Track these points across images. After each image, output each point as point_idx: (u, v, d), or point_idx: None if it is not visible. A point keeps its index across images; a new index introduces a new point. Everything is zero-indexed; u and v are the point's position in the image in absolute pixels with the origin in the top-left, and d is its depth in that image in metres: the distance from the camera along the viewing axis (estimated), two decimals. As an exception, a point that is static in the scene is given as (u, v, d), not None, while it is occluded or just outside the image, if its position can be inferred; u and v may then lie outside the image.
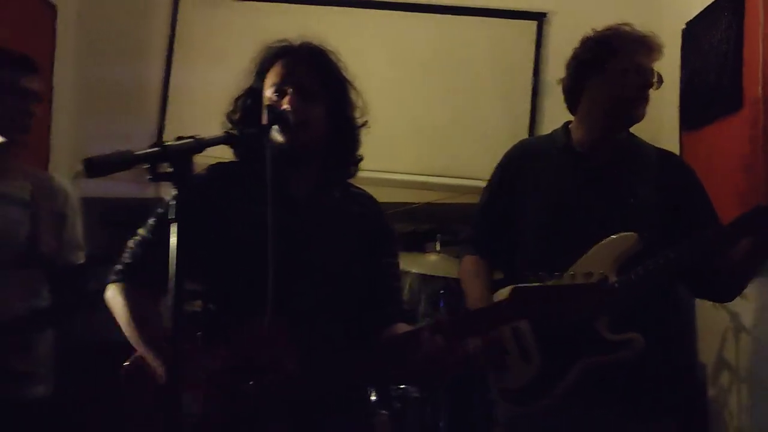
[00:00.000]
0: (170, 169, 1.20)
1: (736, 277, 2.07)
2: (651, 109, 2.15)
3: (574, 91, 2.21)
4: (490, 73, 3.98)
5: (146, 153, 1.18)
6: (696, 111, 3.30)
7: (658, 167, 2.18)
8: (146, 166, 1.18)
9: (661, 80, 2.11)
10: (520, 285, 1.65)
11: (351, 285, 1.80)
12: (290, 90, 1.75)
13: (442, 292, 3.33)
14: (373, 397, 2.80)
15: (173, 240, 1.19)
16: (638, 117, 2.13)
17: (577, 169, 2.18)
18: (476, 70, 3.97)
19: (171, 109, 3.94)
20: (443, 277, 3.29)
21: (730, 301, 2.24)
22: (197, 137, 1.28)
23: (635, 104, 2.11)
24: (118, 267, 1.77)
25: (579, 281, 1.65)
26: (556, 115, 3.19)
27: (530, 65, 3.94)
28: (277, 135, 1.69)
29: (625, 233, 2.03)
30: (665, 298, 2.14)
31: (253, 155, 1.76)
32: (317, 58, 1.82)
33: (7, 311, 2.19)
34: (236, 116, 1.84)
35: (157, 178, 1.18)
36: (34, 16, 3.54)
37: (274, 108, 1.69)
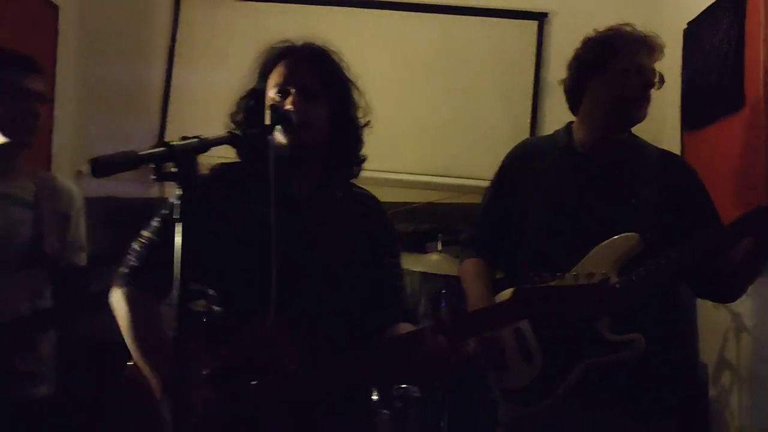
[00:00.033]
0: (175, 169, 1.20)
1: (737, 278, 2.07)
2: (652, 109, 2.15)
3: (575, 91, 2.21)
4: (491, 72, 3.98)
5: (152, 153, 1.19)
6: (697, 111, 3.30)
7: (660, 167, 2.18)
8: (151, 165, 1.18)
9: (662, 80, 2.11)
10: (522, 286, 1.66)
11: (353, 285, 1.80)
12: (293, 90, 1.76)
13: (443, 291, 3.33)
14: (374, 397, 2.80)
15: (178, 239, 1.19)
16: (640, 117, 2.13)
17: (579, 170, 2.18)
18: (477, 70, 3.98)
19: (172, 109, 3.95)
20: (445, 277, 3.29)
21: (733, 301, 2.24)
22: (201, 137, 1.29)
23: (637, 104, 2.11)
24: (124, 270, 1.77)
25: (581, 282, 1.65)
26: (557, 115, 3.19)
27: (531, 65, 3.95)
28: (279, 135, 1.69)
29: (627, 234, 2.03)
30: (666, 299, 2.14)
31: (256, 155, 1.77)
32: (320, 59, 1.82)
33: (11, 311, 2.20)
34: (239, 117, 1.85)
35: (162, 177, 1.19)
36: (36, 16, 3.54)
37: (277, 108, 1.70)
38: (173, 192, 1.55)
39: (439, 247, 3.47)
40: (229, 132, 1.56)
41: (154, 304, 1.73)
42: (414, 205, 3.70)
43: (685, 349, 3.11)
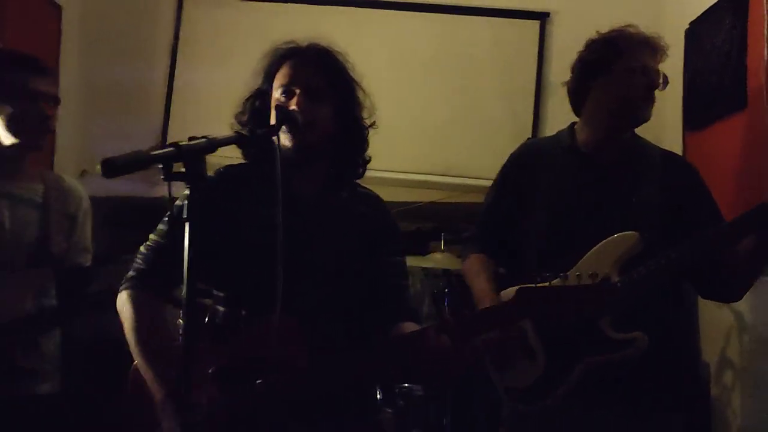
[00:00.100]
0: (183, 169, 1.21)
1: (740, 276, 2.07)
2: (654, 110, 2.15)
3: (579, 92, 2.22)
4: (493, 72, 3.99)
5: (161, 153, 1.20)
6: (699, 111, 3.30)
7: (663, 168, 2.18)
8: (159, 166, 1.19)
9: (666, 81, 2.12)
10: (525, 285, 1.66)
11: (356, 284, 1.81)
12: (298, 91, 1.77)
13: (446, 290, 3.34)
14: (378, 396, 2.81)
15: (187, 239, 1.20)
16: (644, 118, 2.14)
17: (582, 170, 2.19)
18: (479, 70, 3.99)
19: (175, 108, 3.97)
20: (447, 276, 3.30)
21: (737, 300, 2.24)
22: (209, 137, 1.30)
23: (641, 105, 2.12)
24: (131, 273, 1.79)
25: (585, 282, 1.66)
26: (558, 114, 3.20)
27: (533, 65, 3.96)
28: (285, 136, 1.70)
29: (627, 233, 2.03)
30: (668, 297, 2.14)
31: (262, 156, 1.78)
32: (325, 59, 1.83)
33: (17, 310, 2.21)
34: (245, 117, 1.86)
35: (171, 177, 1.20)
36: (39, 16, 3.55)
37: (282, 108, 1.71)
38: (178, 193, 1.57)
39: (442, 247, 3.48)
40: (236, 132, 1.57)
41: (159, 308, 1.75)
42: (416, 204, 3.71)
43: (688, 348, 3.11)
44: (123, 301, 1.76)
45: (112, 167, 1.08)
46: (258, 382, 1.60)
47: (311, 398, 1.64)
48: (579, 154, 2.21)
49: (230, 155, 1.78)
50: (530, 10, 4.00)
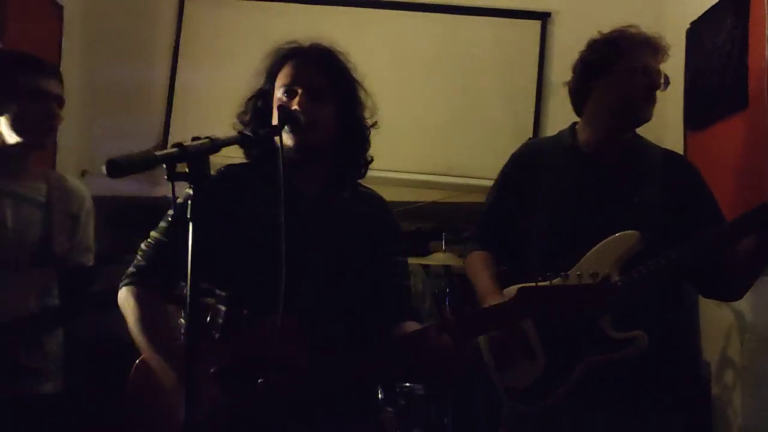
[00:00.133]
0: (187, 170, 1.22)
1: (741, 276, 2.08)
2: (655, 109, 2.16)
3: (580, 92, 2.22)
4: (494, 72, 3.99)
5: (166, 153, 1.21)
6: (700, 111, 3.31)
7: (664, 167, 2.18)
8: (163, 166, 1.20)
9: (668, 81, 2.12)
10: (526, 285, 1.67)
11: (357, 283, 1.81)
12: (300, 90, 1.77)
13: (447, 290, 3.34)
14: (379, 396, 2.82)
15: (190, 238, 1.21)
16: (645, 118, 2.15)
17: (583, 170, 2.19)
18: (480, 70, 3.99)
19: (176, 108, 3.97)
20: (448, 276, 3.30)
21: (738, 299, 2.25)
22: (213, 137, 1.31)
23: (642, 105, 2.12)
24: (131, 270, 1.79)
25: (585, 281, 1.66)
26: (560, 114, 3.20)
27: (534, 65, 3.96)
28: (286, 136, 1.71)
29: (627, 232, 2.03)
30: (669, 297, 2.14)
31: (264, 156, 1.79)
32: (326, 59, 1.84)
33: (20, 309, 2.23)
34: (247, 117, 1.86)
35: (174, 177, 1.20)
36: (41, 16, 3.56)
37: (285, 108, 1.71)
38: (181, 192, 1.57)
39: (443, 246, 3.48)
40: (239, 132, 1.57)
41: (160, 303, 1.75)
42: (417, 204, 3.71)
43: (688, 347, 3.11)
44: (124, 297, 1.77)
45: (118, 168, 1.09)
46: (259, 381, 1.61)
47: (312, 398, 1.65)
48: (580, 154, 2.22)
49: (232, 155, 1.78)
50: (531, 10, 4.00)
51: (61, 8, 3.67)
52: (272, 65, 1.85)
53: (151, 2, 4.04)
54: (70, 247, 2.38)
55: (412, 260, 3.09)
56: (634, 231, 2.03)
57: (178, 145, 1.23)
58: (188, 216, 1.22)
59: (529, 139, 3.73)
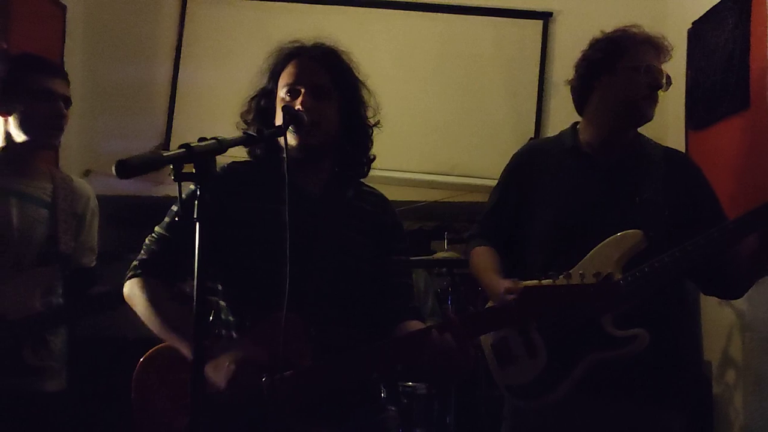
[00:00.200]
0: (193, 170, 1.23)
1: (744, 275, 2.08)
2: (657, 108, 2.16)
3: (582, 91, 2.23)
4: (496, 72, 4.00)
5: (174, 154, 1.22)
6: (702, 110, 3.31)
7: (666, 166, 2.19)
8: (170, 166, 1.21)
9: (670, 81, 2.13)
10: (529, 285, 1.67)
11: (361, 282, 1.82)
12: (303, 90, 1.78)
13: (449, 289, 3.34)
14: (382, 394, 2.82)
15: (197, 238, 1.22)
16: (647, 117, 2.15)
17: (585, 169, 2.20)
18: (482, 70, 4.00)
19: (179, 107, 3.97)
20: (450, 275, 3.30)
21: (739, 297, 2.25)
22: (219, 138, 1.32)
23: (644, 104, 2.12)
24: (136, 263, 1.80)
25: (588, 280, 1.67)
26: (561, 114, 3.21)
27: (536, 64, 3.96)
28: (290, 135, 1.71)
29: (630, 231, 2.04)
30: (670, 295, 2.14)
31: (267, 154, 1.80)
32: (330, 58, 1.84)
33: (27, 308, 2.24)
34: (250, 116, 1.87)
35: (181, 177, 1.21)
36: (44, 16, 3.57)
37: (289, 108, 1.72)
38: (185, 190, 1.58)
39: (445, 245, 3.49)
40: (244, 132, 1.58)
41: (167, 287, 1.76)
42: (419, 203, 3.72)
43: (689, 346, 3.11)
44: (130, 288, 1.78)
45: (127, 168, 1.11)
46: (263, 379, 1.61)
47: (316, 396, 1.65)
48: (582, 153, 2.22)
49: (235, 153, 1.79)
50: (533, 9, 4.01)
51: (64, 8, 3.69)
52: (275, 64, 1.85)
53: (154, 2, 4.05)
54: (74, 247, 2.40)
55: (414, 259, 3.11)
56: (637, 230, 2.03)
57: (185, 145, 1.24)
58: (195, 216, 1.23)
59: (531, 139, 3.74)
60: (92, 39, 3.94)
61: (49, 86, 2.29)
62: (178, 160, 1.21)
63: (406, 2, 4.01)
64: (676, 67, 2.32)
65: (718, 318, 3.12)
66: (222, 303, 1.80)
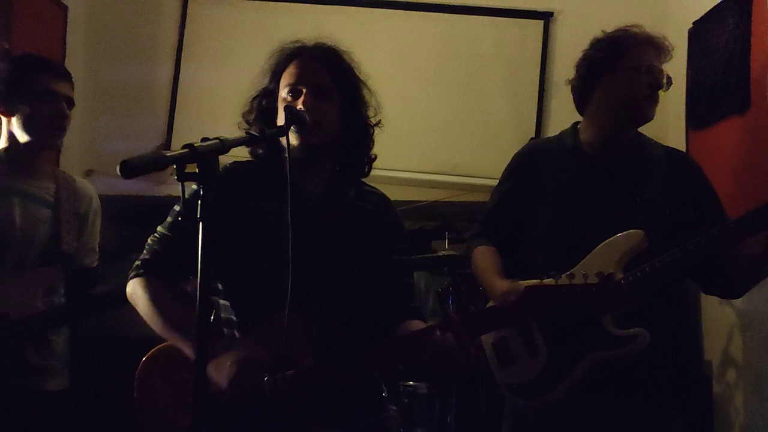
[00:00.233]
0: (196, 170, 1.23)
1: (746, 276, 2.08)
2: (657, 108, 2.17)
3: (583, 90, 2.23)
4: (497, 72, 4.00)
5: (177, 154, 1.23)
6: (702, 110, 3.32)
7: (667, 166, 2.19)
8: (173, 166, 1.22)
9: (670, 81, 2.13)
10: (531, 284, 1.67)
11: (362, 282, 1.82)
12: (304, 90, 1.79)
13: (450, 289, 3.35)
14: (384, 394, 2.82)
15: (200, 238, 1.22)
16: (648, 117, 2.15)
17: (586, 169, 2.20)
18: (483, 69, 4.00)
19: (180, 107, 3.98)
20: (451, 274, 3.30)
21: (740, 297, 2.25)
22: (222, 138, 1.33)
23: (645, 104, 2.13)
24: (138, 263, 1.81)
25: (591, 280, 1.67)
26: (562, 114, 3.20)
27: (537, 64, 3.97)
28: (292, 135, 1.72)
29: (632, 231, 2.04)
30: (671, 295, 2.14)
31: (269, 154, 1.80)
32: (331, 58, 1.85)
33: (29, 307, 2.25)
34: (252, 116, 1.87)
35: (184, 177, 1.22)
36: (45, 16, 3.58)
37: (291, 108, 1.72)
38: (188, 191, 1.59)
39: (447, 245, 3.49)
40: (246, 132, 1.59)
41: (169, 287, 1.77)
42: (420, 203, 3.72)
43: (690, 346, 3.12)
44: (132, 288, 1.79)
45: (131, 168, 1.12)
46: (266, 379, 1.62)
47: (318, 395, 1.65)
48: (582, 153, 2.22)
49: (236, 153, 1.79)
50: (534, 9, 4.01)
51: (65, 8, 3.69)
52: (277, 64, 1.86)
53: (155, 2, 4.06)
54: (76, 247, 2.40)
55: (416, 257, 3.11)
56: (639, 230, 2.03)
57: (189, 145, 1.25)
58: (198, 216, 1.24)
59: (532, 138, 3.75)
60: (94, 39, 3.95)
61: (53, 87, 2.30)
62: (181, 160, 1.22)
63: (407, 2, 4.01)
64: (676, 66, 2.33)
65: (719, 317, 3.13)
66: (223, 302, 1.80)
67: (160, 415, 1.72)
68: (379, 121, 1.91)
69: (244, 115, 1.89)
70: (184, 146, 1.25)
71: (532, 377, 2.09)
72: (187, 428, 1.56)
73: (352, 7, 4.01)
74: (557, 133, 2.37)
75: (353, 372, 1.70)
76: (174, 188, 3.70)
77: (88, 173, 3.69)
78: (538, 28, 4.00)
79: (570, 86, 2.28)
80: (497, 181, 2.38)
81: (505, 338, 2.13)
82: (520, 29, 4.00)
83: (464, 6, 4.00)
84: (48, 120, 2.30)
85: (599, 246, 2.05)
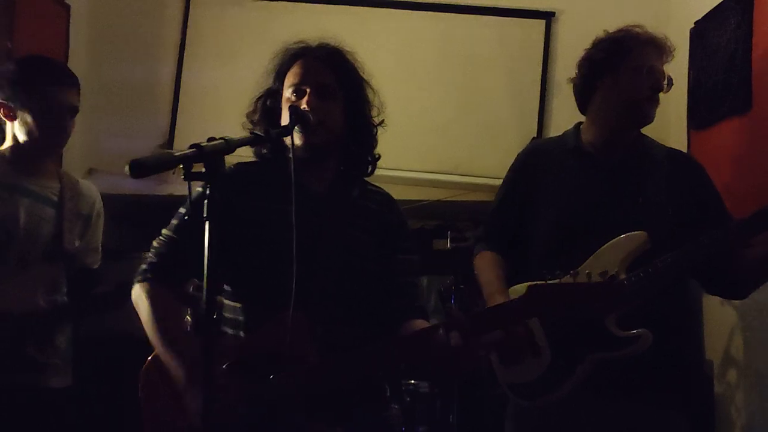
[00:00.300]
0: (203, 169, 1.24)
1: (752, 278, 2.08)
2: (659, 108, 2.17)
3: (585, 90, 2.23)
4: (499, 71, 4.01)
5: (184, 154, 1.24)
6: (704, 110, 3.32)
7: (669, 166, 2.19)
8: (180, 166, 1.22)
9: (671, 83, 2.14)
10: (536, 283, 1.68)
11: (366, 281, 1.83)
12: (308, 90, 1.79)
13: (452, 288, 3.36)
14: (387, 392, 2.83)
15: (206, 237, 1.23)
16: (649, 118, 2.16)
17: (588, 170, 2.20)
18: (485, 69, 4.00)
19: (182, 107, 3.98)
20: (453, 274, 3.31)
21: (744, 298, 2.25)
22: (227, 138, 1.33)
23: (646, 105, 2.13)
24: (144, 267, 1.81)
25: (594, 280, 1.67)
26: (564, 113, 3.21)
27: (539, 64, 3.97)
28: (296, 135, 1.73)
29: (634, 232, 2.04)
30: (673, 295, 2.14)
31: (273, 154, 1.81)
32: (334, 58, 1.85)
33: (32, 304, 2.27)
34: (256, 116, 1.88)
35: (191, 177, 1.23)
36: (48, 15, 3.59)
37: (296, 108, 1.73)
38: (193, 192, 1.59)
39: (448, 244, 3.49)
40: (251, 132, 1.59)
41: (173, 299, 1.77)
42: (422, 202, 3.72)
43: (691, 346, 3.12)
44: (138, 293, 1.79)
45: (140, 168, 1.13)
46: (270, 378, 1.62)
47: (322, 394, 1.66)
48: (585, 154, 2.23)
49: (240, 153, 1.80)
50: (536, 9, 4.01)
51: (68, 7, 3.70)
52: (281, 65, 1.87)
53: (158, 1, 4.06)
54: (78, 246, 2.42)
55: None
56: (642, 231, 2.04)
57: (196, 145, 1.26)
58: (204, 215, 1.24)
59: (533, 138, 3.75)
60: (96, 38, 3.95)
61: (59, 99, 2.30)
62: (189, 160, 1.22)
63: (409, 2, 4.02)
64: (678, 66, 2.33)
65: (720, 317, 3.13)
66: (228, 302, 1.81)
67: (162, 415, 1.72)
68: (383, 120, 1.91)
69: (249, 116, 1.89)
70: (191, 146, 1.26)
71: (536, 377, 2.09)
72: (187, 428, 1.59)
73: (354, 7, 4.01)
74: (560, 134, 2.37)
75: (357, 371, 1.70)
76: (175, 187, 3.72)
77: (90, 172, 3.70)
78: (540, 27, 4.00)
79: (572, 85, 2.28)
80: (499, 181, 2.39)
81: (509, 338, 2.13)
82: (522, 29, 4.00)
83: (466, 5, 4.00)
84: (49, 131, 2.31)
85: (603, 246, 2.06)
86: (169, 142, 3.94)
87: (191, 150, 1.24)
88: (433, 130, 3.94)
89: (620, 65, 2.13)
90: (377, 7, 4.03)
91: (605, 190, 2.17)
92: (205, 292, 1.21)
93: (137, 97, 3.99)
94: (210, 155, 1.25)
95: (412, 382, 3.12)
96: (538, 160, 2.30)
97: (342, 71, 1.85)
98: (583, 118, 2.30)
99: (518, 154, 2.36)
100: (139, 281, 1.80)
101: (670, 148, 2.30)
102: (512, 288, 2.14)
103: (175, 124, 3.96)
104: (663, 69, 2.13)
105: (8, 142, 2.35)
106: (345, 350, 1.70)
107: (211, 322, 1.22)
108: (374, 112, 1.90)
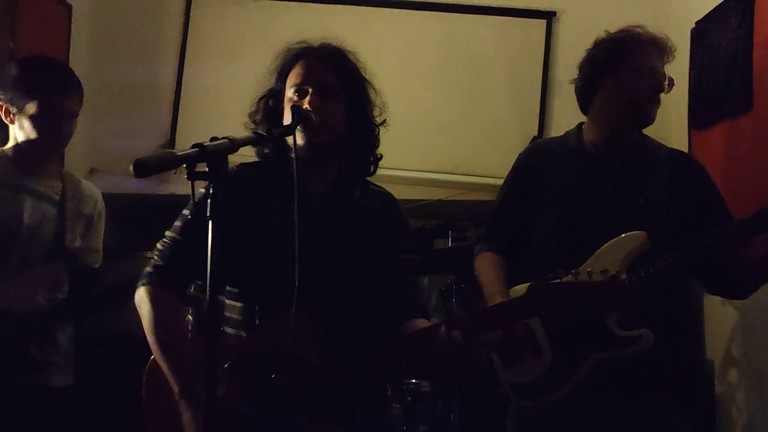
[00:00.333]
0: (206, 169, 1.25)
1: (753, 278, 2.08)
2: (660, 108, 2.17)
3: (586, 91, 2.24)
4: (500, 71, 4.01)
5: (188, 153, 1.24)
6: (705, 110, 3.32)
7: (670, 166, 2.20)
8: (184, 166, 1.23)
9: (672, 84, 2.14)
10: (537, 282, 1.68)
11: (368, 280, 1.83)
12: (310, 90, 1.79)
13: (453, 287, 3.36)
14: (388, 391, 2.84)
15: (210, 237, 1.23)
16: (650, 119, 2.16)
17: (589, 170, 2.21)
18: (486, 69, 4.01)
19: (184, 106, 3.99)
20: (454, 273, 3.32)
21: (745, 298, 2.25)
22: (231, 138, 1.34)
23: (647, 105, 2.13)
24: (149, 269, 1.81)
25: (596, 279, 1.67)
26: (565, 113, 3.21)
27: (540, 64, 3.98)
28: (298, 135, 1.73)
29: (635, 232, 2.05)
30: (673, 295, 2.14)
31: (275, 154, 1.81)
32: (336, 58, 1.86)
33: (33, 303, 2.28)
34: (258, 116, 1.88)
35: (194, 176, 1.23)
36: (50, 15, 3.59)
37: (298, 108, 1.74)
38: (196, 193, 1.59)
39: (449, 244, 3.50)
40: (254, 132, 1.60)
41: (175, 305, 1.78)
42: (423, 202, 3.73)
43: (692, 346, 3.12)
44: (141, 297, 1.79)
45: (145, 167, 1.13)
46: (272, 377, 1.63)
47: (324, 394, 1.66)
48: (586, 154, 2.23)
49: (242, 153, 1.80)
50: (537, 9, 4.02)
51: (69, 7, 3.71)
52: (283, 65, 1.87)
53: (159, 1, 4.07)
54: (80, 246, 2.42)
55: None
56: (642, 231, 2.04)
57: (199, 145, 1.26)
58: (208, 215, 1.25)
59: (534, 138, 3.75)
60: (98, 38, 3.96)
61: (60, 105, 2.30)
62: (192, 159, 1.23)
63: (410, 2, 4.02)
64: (679, 66, 2.33)
65: (721, 317, 3.13)
66: (230, 302, 1.81)
67: (163, 414, 1.72)
68: (384, 120, 1.91)
69: (251, 115, 1.90)
70: (194, 145, 1.26)
71: (537, 377, 2.10)
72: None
73: (355, 7, 4.02)
74: (561, 134, 2.37)
75: (359, 371, 1.70)
76: (177, 186, 3.72)
77: (92, 172, 3.71)
78: (541, 27, 4.01)
79: (573, 86, 2.29)
80: (500, 181, 2.39)
81: (510, 338, 2.13)
82: (523, 29, 4.01)
83: (467, 5, 4.00)
84: (48, 136, 2.31)
85: (603, 246, 2.06)
86: (171, 142, 3.94)
87: (194, 149, 1.25)
88: (434, 130, 3.95)
89: (621, 65, 2.13)
90: (379, 6, 4.03)
91: (606, 190, 2.17)
92: (208, 292, 1.21)
93: (139, 97, 3.99)
94: (213, 155, 1.25)
95: (413, 381, 3.12)
96: (540, 160, 2.30)
97: (344, 71, 1.85)
98: (583, 118, 2.31)
99: (519, 154, 2.37)
100: (142, 284, 1.79)
101: (671, 148, 2.30)
102: (513, 288, 2.14)
103: (176, 124, 3.97)
104: (664, 70, 2.13)
105: (11, 143, 2.36)
106: (347, 350, 1.70)
107: (214, 322, 1.23)
108: (376, 112, 1.90)
